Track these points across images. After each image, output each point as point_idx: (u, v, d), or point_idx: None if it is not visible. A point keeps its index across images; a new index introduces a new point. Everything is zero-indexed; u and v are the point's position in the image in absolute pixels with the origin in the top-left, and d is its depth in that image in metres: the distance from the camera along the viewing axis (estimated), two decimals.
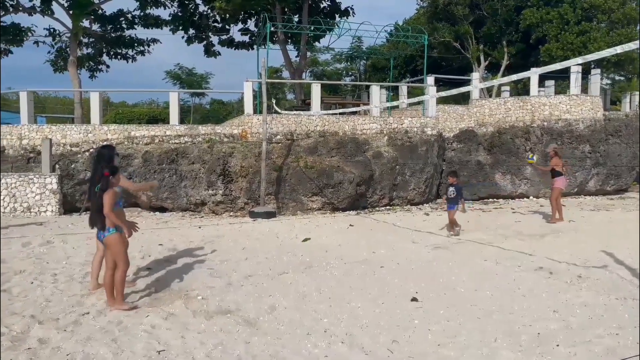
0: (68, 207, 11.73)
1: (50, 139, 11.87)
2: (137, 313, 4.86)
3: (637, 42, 4.82)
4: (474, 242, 8.28)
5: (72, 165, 12.23)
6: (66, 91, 24.22)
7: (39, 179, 11.39)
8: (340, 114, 13.92)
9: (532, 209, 12.39)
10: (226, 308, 5.02)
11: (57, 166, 11.97)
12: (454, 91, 7.49)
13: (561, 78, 20.45)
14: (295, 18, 20.17)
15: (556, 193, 10.24)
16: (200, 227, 9.74)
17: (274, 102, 15.39)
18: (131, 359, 3.82)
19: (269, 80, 13.81)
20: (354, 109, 14.77)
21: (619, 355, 3.79)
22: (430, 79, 16.48)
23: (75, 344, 4.10)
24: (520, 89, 25.17)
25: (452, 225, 9.03)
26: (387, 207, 12.87)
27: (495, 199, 14.41)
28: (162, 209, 12.06)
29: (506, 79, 8.75)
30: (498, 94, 20.62)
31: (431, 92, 13.69)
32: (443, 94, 8.86)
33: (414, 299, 5.32)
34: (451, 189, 9.09)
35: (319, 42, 23.37)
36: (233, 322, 4.64)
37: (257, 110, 13.66)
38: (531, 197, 14.60)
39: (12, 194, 11.25)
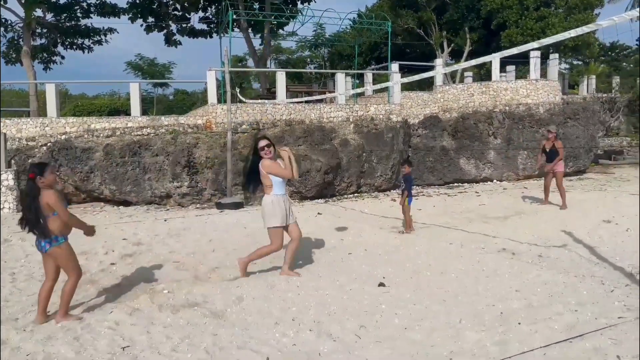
0: None
1: (5, 134, 11.40)
2: (101, 309, 4.75)
3: (591, 25, 4.94)
4: (440, 227, 8.41)
5: (29, 160, 11.78)
6: (20, 83, 23.30)
7: None
8: (306, 102, 13.86)
9: (496, 192, 12.67)
10: (193, 301, 4.95)
11: (12, 162, 11.52)
12: (417, 77, 7.54)
13: (522, 63, 20.90)
14: (256, 5, 19.90)
15: (561, 177, 10.15)
16: (165, 220, 9.57)
17: (239, 91, 15.19)
18: (94, 357, 3.72)
19: (232, 69, 13.62)
20: (319, 97, 14.72)
21: (578, 331, 3.93)
22: (394, 66, 16.58)
23: (35, 343, 3.97)
24: (483, 75, 25.65)
25: (406, 219, 8.12)
26: (355, 195, 12.94)
27: (460, 184, 14.67)
28: (126, 203, 11.79)
29: (467, 64, 8.85)
30: (461, 80, 20.94)
31: (395, 79, 13.77)
32: (406, 79, 8.90)
33: (381, 284, 5.37)
34: (402, 179, 8.37)
35: (283, 29, 23.19)
36: (200, 314, 4.58)
37: (221, 99, 13.47)
38: (495, 181, 14.93)
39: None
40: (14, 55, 19.36)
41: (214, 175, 11.67)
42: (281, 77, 13.85)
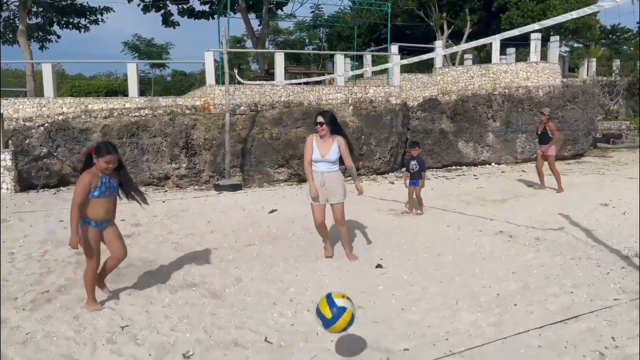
0: (24, 184, 11.30)
1: (2, 114, 11.31)
2: (100, 289, 4.77)
3: (593, 6, 4.89)
4: (437, 209, 8.43)
5: (27, 141, 11.73)
6: (17, 63, 23.08)
7: None
8: (304, 83, 13.77)
9: (494, 175, 12.68)
10: (191, 281, 4.99)
11: (10, 142, 11.46)
12: (417, 58, 7.48)
13: (522, 46, 20.75)
14: None
15: (554, 160, 10.08)
16: (164, 202, 9.57)
17: (237, 72, 15.08)
18: (94, 336, 3.76)
19: (230, 49, 13.50)
20: (318, 79, 14.62)
21: (574, 312, 3.97)
22: (394, 48, 16.44)
23: (35, 322, 4.00)
24: (483, 57, 25.45)
25: (420, 203, 8.16)
26: None
27: (458, 167, 14.67)
28: None
29: (467, 45, 8.78)
30: (461, 63, 20.79)
31: (395, 61, 13.66)
32: (406, 61, 8.83)
33: (379, 266, 5.40)
34: (413, 162, 8.12)
35: (282, 10, 22.93)
36: (198, 295, 4.62)
37: (219, 81, 13.36)
38: (493, 164, 14.93)
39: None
40: (10, 35, 19.14)
41: (212, 157, 11.64)
42: (280, 59, 13.73)
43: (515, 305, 4.19)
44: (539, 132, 10.28)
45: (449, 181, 11.92)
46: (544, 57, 17.04)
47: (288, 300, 4.47)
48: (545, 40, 17.70)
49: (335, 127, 5.48)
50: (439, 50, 14.45)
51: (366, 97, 13.76)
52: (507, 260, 5.51)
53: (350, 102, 13.52)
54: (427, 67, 20.35)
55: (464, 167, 14.58)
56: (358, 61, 20.78)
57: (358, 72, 13.93)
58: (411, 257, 5.73)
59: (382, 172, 13.41)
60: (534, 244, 6.14)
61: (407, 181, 8.20)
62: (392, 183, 11.80)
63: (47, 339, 3.72)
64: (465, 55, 20.50)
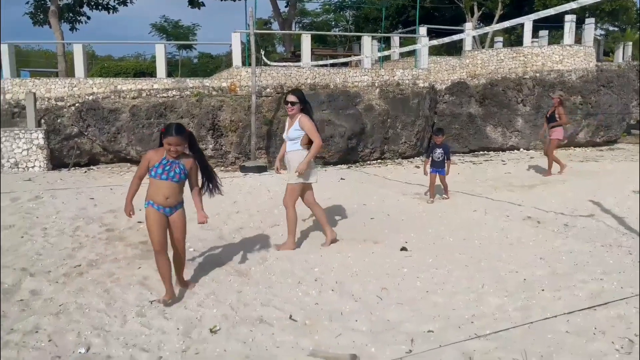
0: (56, 162, 11.59)
1: (34, 93, 11.58)
2: (129, 265, 4.89)
3: None
4: (464, 194, 8.33)
5: (58, 120, 12.00)
6: (48, 43, 23.51)
7: (25, 134, 11.19)
8: (331, 65, 13.68)
9: (522, 161, 12.44)
10: (218, 259, 5.07)
11: (42, 121, 11.74)
12: (447, 39, 7.33)
13: (555, 28, 20.11)
14: None
15: (554, 145, 10.02)
16: None
17: (263, 54, 15.06)
18: (124, 309, 3.86)
19: (257, 31, 13.47)
20: (344, 60, 14.50)
21: (602, 299, 3.89)
22: (422, 30, 16.13)
23: (67, 295, 4.13)
24: (514, 40, 24.81)
25: (445, 188, 7.94)
26: (379, 161, 12.87)
27: (486, 152, 14.43)
28: None
29: (498, 26, 8.54)
30: (491, 45, 20.31)
31: (423, 43, 13.43)
32: (435, 42, 8.66)
33: (404, 249, 5.39)
34: (439, 150, 7.78)
35: None
36: (225, 272, 4.69)
37: (245, 62, 13.37)
38: (522, 150, 14.63)
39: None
40: (41, 16, 19.46)
41: (238, 139, 11.71)
42: (306, 40, 13.64)
43: (542, 290, 4.13)
44: (548, 116, 10.09)
45: (476, 166, 11.75)
46: (578, 40, 16.51)
47: (312, 279, 4.50)
48: (579, 23, 17.13)
49: (305, 105, 5.35)
50: (469, 32, 14.10)
51: (393, 79, 13.59)
52: (534, 246, 5.42)
53: (376, 84, 13.38)
54: (456, 49, 19.96)
55: (492, 153, 14.32)
56: (385, 43, 20.51)
57: (385, 53, 13.76)
58: (436, 241, 5.69)
59: (407, 156, 13.29)
60: (563, 230, 6.02)
61: (427, 167, 7.93)
62: (418, 167, 11.69)
63: (79, 310, 3.84)
64: (496, 38, 19.99)
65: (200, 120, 11.67)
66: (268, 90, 12.57)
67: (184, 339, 3.40)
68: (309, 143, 5.29)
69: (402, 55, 16.45)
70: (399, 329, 3.55)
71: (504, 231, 6.03)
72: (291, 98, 5.28)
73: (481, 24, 24.82)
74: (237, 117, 11.76)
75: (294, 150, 5.33)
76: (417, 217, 6.83)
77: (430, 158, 7.90)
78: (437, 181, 7.88)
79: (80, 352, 3.21)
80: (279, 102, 12.25)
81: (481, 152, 14.35)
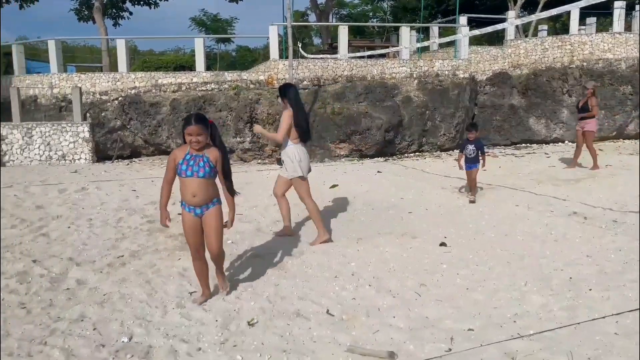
0: (100, 154, 11.97)
1: (80, 88, 11.96)
2: (169, 256, 4.99)
3: None
4: (506, 188, 8.11)
5: (103, 114, 12.36)
6: (93, 39, 24.24)
7: (71, 127, 11.58)
8: (368, 57, 13.54)
9: (567, 154, 12.00)
10: (255, 252, 5.10)
11: (88, 115, 12.12)
12: (490, 28, 7.11)
13: (603, 15, 19.26)
14: None
15: (592, 137, 9.70)
16: None
17: (300, 46, 15.04)
18: (164, 300, 3.94)
19: (294, 23, 13.46)
20: (382, 51, 14.32)
21: None
22: (462, 19, 15.73)
23: (111, 284, 4.25)
24: (559, 28, 23.92)
25: (473, 187, 7.50)
26: (416, 154, 12.68)
27: (528, 144, 13.99)
28: None
29: (544, 14, 8.23)
30: (535, 34, 19.63)
31: (463, 32, 13.09)
32: (476, 31, 8.42)
33: (443, 244, 5.28)
34: (471, 147, 7.39)
35: None
36: (262, 265, 4.72)
37: (283, 55, 13.39)
38: (566, 142, 14.11)
39: (46, 142, 11.50)
40: (85, 12, 20.08)
41: (275, 131, 11.75)
42: (343, 32, 13.53)
43: (590, 290, 3.96)
44: (580, 107, 9.66)
45: (518, 159, 11.41)
46: (627, 27, 15.74)
47: (349, 274, 4.47)
48: (630, 9, 16.32)
49: (290, 101, 5.31)
50: (512, 20, 13.65)
51: (432, 70, 13.34)
52: (581, 243, 5.22)
53: (414, 76, 13.16)
54: (497, 39, 19.41)
55: (535, 145, 13.87)
56: (424, 34, 20.14)
57: (425, 44, 13.50)
58: (477, 237, 5.56)
59: (446, 149, 13.04)
60: (612, 227, 5.77)
61: (462, 161, 7.53)
62: (457, 160, 11.46)
63: (122, 300, 3.94)
64: (540, 27, 19.33)
65: (238, 114, 11.78)
66: (305, 82, 12.56)
67: (222, 331, 3.44)
68: (297, 138, 5.31)
69: (441, 45, 16.11)
70: (438, 326, 3.48)
71: (548, 227, 5.83)
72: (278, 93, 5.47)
73: (524, 12, 24.02)
74: (275, 109, 11.80)
75: (285, 147, 5.40)
76: (456, 212, 6.69)
77: (464, 154, 7.55)
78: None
79: (123, 342, 3.30)
80: (315, 94, 12.22)
81: (523, 145, 13.92)
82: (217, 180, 3.78)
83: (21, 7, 18.08)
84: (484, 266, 4.61)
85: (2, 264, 4.72)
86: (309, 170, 5.47)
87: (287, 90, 5.34)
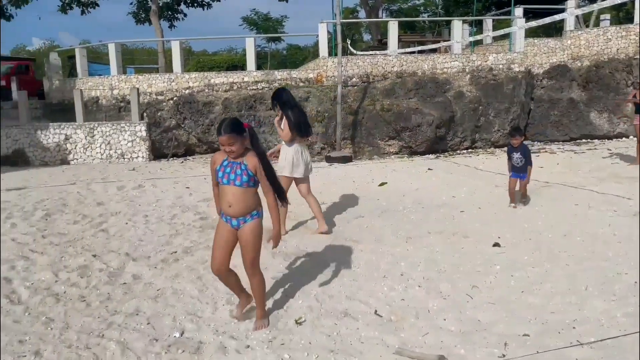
0: (156, 153, 12.40)
1: (138, 89, 12.43)
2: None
3: None
4: (564, 186, 7.75)
5: (158, 113, 12.80)
6: (149, 41, 25.16)
7: (129, 126, 12.06)
8: (418, 52, 13.30)
9: (631, 150, 11.32)
10: (303, 250, 5.12)
11: (145, 114, 12.58)
12: (548, 19, 6.79)
13: None
14: None
15: None
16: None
17: (349, 43, 14.97)
18: (215, 296, 4.01)
19: (343, 20, 13.41)
20: (433, 46, 14.02)
21: None
22: (518, 11, 15.15)
23: (165, 280, 4.38)
24: (623, 17, 22.59)
25: (524, 195, 6.78)
26: (469, 150, 12.36)
27: (589, 140, 13.33)
28: None
29: (606, 3, 7.78)
30: (596, 24, 18.64)
31: (519, 24, 12.61)
32: (533, 23, 8.07)
33: (496, 244, 5.11)
34: (517, 155, 6.59)
35: None
36: (310, 263, 4.72)
37: (332, 52, 13.38)
38: (631, 137, 13.32)
39: (107, 141, 12.03)
40: (143, 15, 20.85)
41: (323, 129, 11.78)
42: (393, 27, 13.35)
43: None
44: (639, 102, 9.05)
45: (578, 156, 10.88)
46: None
47: (398, 274, 4.40)
48: None
49: (282, 104, 5.52)
50: (571, 10, 13.03)
51: (485, 64, 12.94)
52: None
53: (467, 70, 12.81)
54: (555, 30, 18.56)
55: (596, 141, 13.19)
56: (477, 27, 19.55)
57: (478, 37, 13.11)
58: (533, 237, 5.33)
59: (501, 145, 12.61)
60: None
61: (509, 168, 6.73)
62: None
63: (175, 295, 4.05)
64: (602, 16, 18.28)
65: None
66: (354, 79, 12.50)
67: (270, 328, 3.46)
68: (290, 140, 5.54)
69: (495, 38, 15.58)
70: (491, 330, 3.36)
71: (611, 227, 5.51)
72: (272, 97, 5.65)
73: (585, 1, 22.86)
74: (323, 107, 11.83)
75: (284, 147, 5.64)
76: (511, 211, 6.45)
77: (509, 162, 6.77)
78: (518, 186, 6.71)
79: (175, 336, 3.39)
80: (364, 91, 12.14)
81: (584, 141, 13.27)
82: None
83: (83, 12, 18.97)
84: (540, 268, 4.42)
85: (65, 258, 4.97)
86: (308, 169, 5.72)
87: (278, 96, 5.57)
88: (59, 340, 3.34)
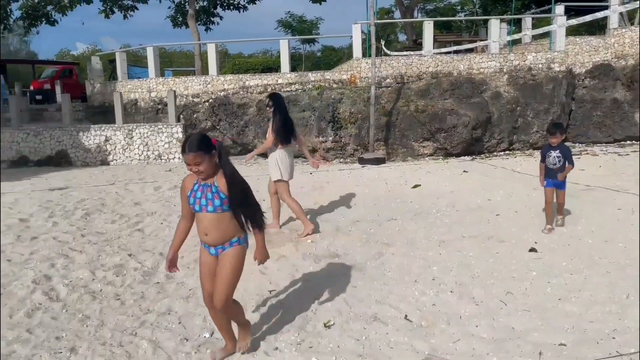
0: None
1: (174, 91, 12.69)
2: (251, 254, 5.10)
3: None
4: (606, 189, 7.45)
5: (194, 115, 13.04)
6: (186, 44, 25.69)
7: (166, 128, 12.33)
8: (454, 52, 13.09)
9: None
10: (334, 252, 5.10)
11: (181, 116, 12.83)
12: (589, 17, 6.55)
13: None
14: None
15: None
16: (311, 173, 9.94)
17: (383, 43, 14.86)
18: (244, 297, 4.04)
19: (377, 21, 13.33)
20: (469, 46, 13.77)
21: None
22: (559, 8, 14.70)
23: (196, 280, 4.42)
24: None
25: (561, 208, 5.73)
26: (506, 152, 12.06)
27: (634, 141, 12.79)
28: None
29: None
30: None
31: (560, 22, 12.22)
32: (574, 21, 7.80)
33: (533, 250, 4.95)
34: (554, 154, 5.48)
35: None
36: (340, 265, 4.70)
37: (366, 53, 13.32)
38: None
39: (145, 143, 12.33)
40: (180, 19, 21.27)
41: (357, 130, 11.73)
42: (428, 27, 13.18)
43: None
44: None
45: (622, 158, 10.46)
46: None
47: (430, 279, 4.32)
48: None
49: (276, 107, 5.67)
50: (615, 7, 12.53)
51: (524, 64, 12.61)
52: None
53: (505, 70, 12.51)
54: (598, 28, 17.92)
55: None
56: (515, 26, 19.08)
57: (516, 36, 12.79)
58: (572, 242, 5.15)
59: (539, 147, 12.24)
60: None
61: (542, 176, 5.67)
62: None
63: None
64: None
65: (321, 113, 11.88)
66: (388, 80, 12.40)
67: (299, 331, 3.46)
68: (273, 144, 5.69)
69: (534, 37, 15.18)
70: (525, 338, 3.26)
71: None
72: (267, 101, 5.84)
73: None
74: (357, 108, 11.78)
75: (271, 150, 5.77)
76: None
77: (544, 163, 5.65)
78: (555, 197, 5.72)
79: (205, 337, 3.43)
80: (398, 92, 12.03)
81: (628, 142, 12.76)
82: None
83: (125, 17, 19.51)
84: (579, 275, 4.26)
85: (102, 256, 5.11)
86: (291, 174, 5.84)
87: (274, 100, 5.75)
88: (93, 338, 3.43)
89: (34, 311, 3.86)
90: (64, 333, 3.50)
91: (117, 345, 3.34)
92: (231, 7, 20.96)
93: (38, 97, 19.49)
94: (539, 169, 5.78)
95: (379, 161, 10.87)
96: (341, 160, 11.78)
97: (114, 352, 3.24)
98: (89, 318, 3.74)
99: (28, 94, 19.77)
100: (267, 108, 5.81)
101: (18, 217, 6.75)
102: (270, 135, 5.68)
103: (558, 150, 5.50)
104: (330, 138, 11.85)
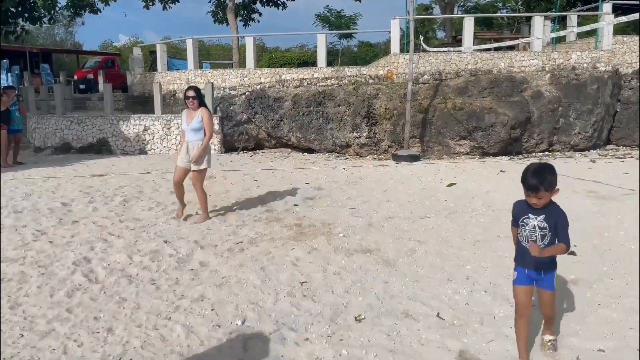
0: (227, 146, 12.79)
1: (212, 83, 12.87)
2: (284, 245, 5.15)
3: None
4: None
5: (231, 108, 13.18)
6: (224, 37, 26.00)
7: None
8: (495, 49, 12.81)
9: None
10: (366, 247, 5.08)
11: (218, 108, 13.00)
12: (638, 15, 6.30)
13: None
14: None
15: None
16: (344, 169, 9.92)
17: (422, 39, 14.66)
18: (277, 287, 4.07)
19: (416, 16, 13.16)
20: (510, 43, 13.44)
21: None
22: (606, 6, 14.18)
23: (229, 268, 4.50)
24: None
25: (548, 319, 3.16)
26: (545, 153, 11.73)
27: None
28: (310, 150, 12.53)
29: None
30: None
31: (607, 20, 11.79)
32: (623, 19, 7.52)
33: (572, 253, 4.80)
34: (536, 220, 3.19)
35: None
36: (372, 261, 4.68)
37: (404, 49, 13.17)
38: None
39: (182, 133, 12.52)
40: (220, 14, 21.56)
41: (392, 127, 11.63)
42: (468, 24, 12.94)
43: None
44: None
45: None
46: None
47: (464, 277, 4.26)
48: None
49: (201, 100, 6.17)
50: None
51: (568, 63, 12.23)
52: None
53: (547, 69, 12.17)
54: None
55: None
56: (559, 24, 18.51)
57: (561, 34, 12.40)
58: (613, 247, 4.98)
59: (581, 149, 11.89)
60: None
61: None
62: (594, 162, 10.39)
63: (238, 284, 4.15)
64: None
65: (356, 109, 11.83)
66: (425, 77, 12.24)
67: (330, 323, 3.46)
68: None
69: (579, 35, 14.69)
70: (562, 343, 3.17)
71: None
72: (191, 93, 6.05)
73: None
74: (392, 105, 11.67)
75: (196, 141, 6.04)
76: (589, 218, 6.05)
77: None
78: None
79: (237, 324, 3.47)
80: (436, 89, 11.85)
81: None
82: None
83: (164, 7, 19.89)
84: (620, 280, 4.11)
85: (139, 242, 5.24)
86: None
87: (200, 92, 6.23)
88: (129, 320, 3.53)
89: (73, 291, 3.99)
90: (101, 314, 3.61)
91: (152, 328, 3.42)
92: (271, 3, 21.10)
93: (81, 86, 20.13)
94: (512, 233, 3.48)
95: (413, 158, 10.75)
96: (375, 156, 11.71)
97: (149, 335, 3.32)
98: (126, 300, 3.84)
99: (72, 83, 20.44)
100: (190, 100, 6.08)
101: (60, 201, 7.00)
102: (209, 125, 6.02)
103: (543, 216, 3.13)
104: (365, 134, 11.79)
